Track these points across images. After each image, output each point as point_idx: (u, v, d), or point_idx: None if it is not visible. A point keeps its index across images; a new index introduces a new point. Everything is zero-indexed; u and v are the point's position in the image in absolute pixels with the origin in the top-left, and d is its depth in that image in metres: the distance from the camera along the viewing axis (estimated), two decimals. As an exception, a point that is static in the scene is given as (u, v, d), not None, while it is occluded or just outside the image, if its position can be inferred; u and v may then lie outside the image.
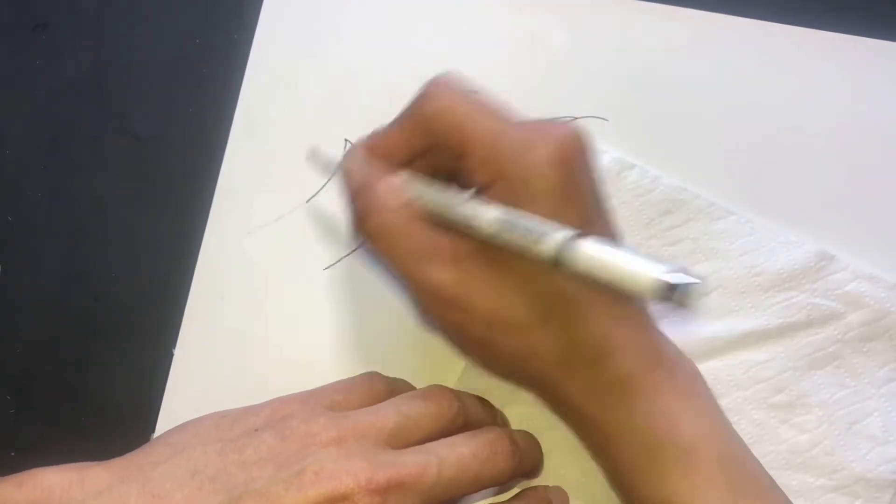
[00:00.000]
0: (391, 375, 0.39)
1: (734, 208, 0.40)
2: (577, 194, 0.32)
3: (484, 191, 0.33)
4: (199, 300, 0.41)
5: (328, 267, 0.42)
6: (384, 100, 0.44)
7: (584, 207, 0.32)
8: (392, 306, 0.41)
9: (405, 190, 0.34)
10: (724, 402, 0.35)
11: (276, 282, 0.41)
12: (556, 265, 0.30)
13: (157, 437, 0.34)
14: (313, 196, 0.43)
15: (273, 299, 0.41)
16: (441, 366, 0.40)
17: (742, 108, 0.43)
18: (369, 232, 0.34)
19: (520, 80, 0.44)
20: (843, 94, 0.43)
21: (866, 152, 0.43)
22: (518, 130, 0.33)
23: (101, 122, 0.45)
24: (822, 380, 0.38)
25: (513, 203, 0.32)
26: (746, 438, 0.33)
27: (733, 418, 0.34)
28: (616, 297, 0.31)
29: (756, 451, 0.33)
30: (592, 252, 0.30)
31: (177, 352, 0.40)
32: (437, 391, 0.35)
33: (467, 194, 0.33)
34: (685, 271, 0.28)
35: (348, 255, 0.42)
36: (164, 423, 0.40)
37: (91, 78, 0.45)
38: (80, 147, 0.44)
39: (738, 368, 0.38)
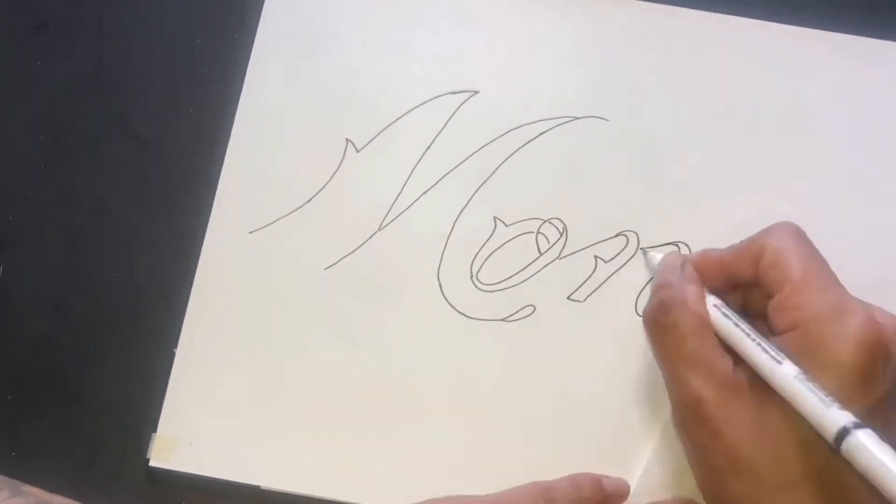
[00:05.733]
0: (388, 373, 0.40)
1: (731, 206, 0.40)
2: (870, 382, 0.31)
3: (779, 334, 0.33)
4: (200, 300, 0.41)
5: (329, 267, 0.42)
6: (384, 100, 0.44)
7: (876, 397, 0.31)
8: (391, 306, 0.41)
9: (710, 303, 0.35)
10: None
11: (277, 282, 0.41)
12: (835, 448, 0.29)
13: None
14: (314, 196, 0.43)
15: (274, 299, 0.41)
16: (440, 363, 0.40)
17: (742, 108, 0.43)
18: (663, 323, 0.35)
19: (520, 80, 0.44)
20: (843, 94, 0.44)
21: (866, 152, 0.43)
22: (840, 294, 0.33)
23: (101, 122, 0.45)
24: None
25: (803, 357, 0.32)
26: None
27: None
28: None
29: None
30: (873, 448, 0.28)
31: (178, 351, 0.40)
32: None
33: (767, 341, 0.33)
34: None
35: (349, 255, 0.42)
36: (164, 423, 0.39)
37: (91, 78, 0.45)
38: (80, 147, 0.44)
39: None
